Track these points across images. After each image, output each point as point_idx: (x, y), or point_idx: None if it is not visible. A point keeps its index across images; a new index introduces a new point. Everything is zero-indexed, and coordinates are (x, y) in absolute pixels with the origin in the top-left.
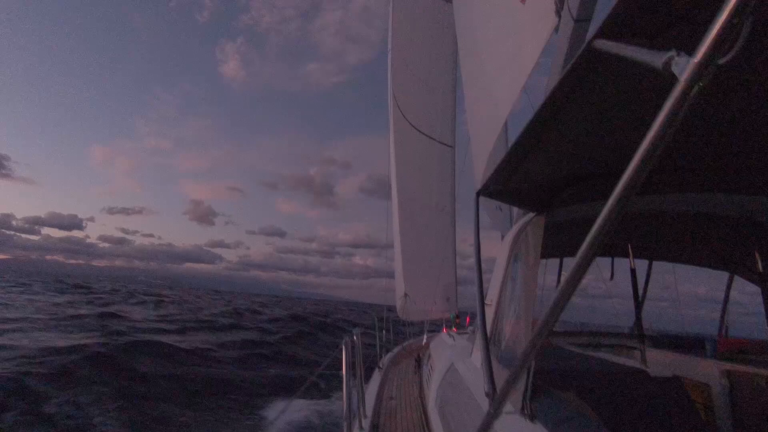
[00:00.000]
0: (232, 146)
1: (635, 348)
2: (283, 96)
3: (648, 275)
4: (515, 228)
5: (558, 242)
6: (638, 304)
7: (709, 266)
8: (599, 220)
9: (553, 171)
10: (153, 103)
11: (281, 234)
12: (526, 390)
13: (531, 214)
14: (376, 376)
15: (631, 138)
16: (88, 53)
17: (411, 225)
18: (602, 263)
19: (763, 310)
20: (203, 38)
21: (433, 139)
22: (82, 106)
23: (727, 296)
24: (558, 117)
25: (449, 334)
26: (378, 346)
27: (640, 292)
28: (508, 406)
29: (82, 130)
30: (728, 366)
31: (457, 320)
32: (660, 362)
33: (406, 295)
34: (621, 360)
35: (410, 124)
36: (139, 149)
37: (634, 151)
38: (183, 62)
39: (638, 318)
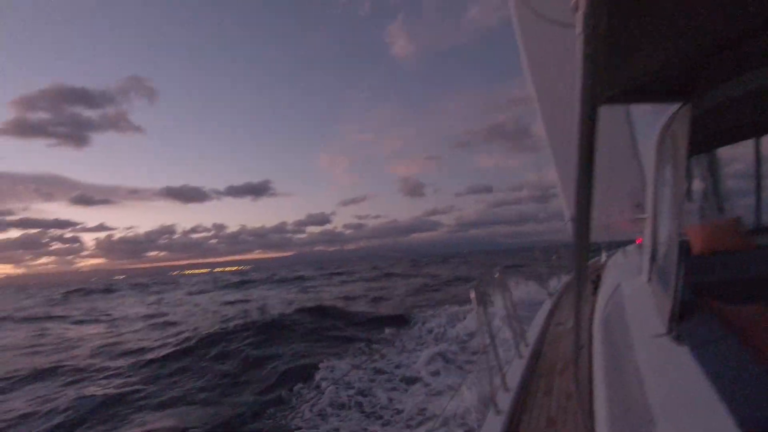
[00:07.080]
0: (419, 119)
1: None
2: (454, 51)
3: None
4: (658, 127)
5: (709, 132)
6: None
7: None
8: None
9: (695, 38)
10: (345, 102)
11: (488, 189)
12: (673, 309)
13: (674, 107)
14: (546, 305)
15: None
16: (284, 88)
17: (560, 131)
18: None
19: None
20: (370, 29)
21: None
22: (299, 121)
23: None
24: None
25: (625, 250)
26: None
27: None
28: (656, 329)
29: (307, 143)
30: None
31: None
32: None
33: (572, 219)
34: None
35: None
36: (348, 146)
37: None
38: (360, 58)
39: None
